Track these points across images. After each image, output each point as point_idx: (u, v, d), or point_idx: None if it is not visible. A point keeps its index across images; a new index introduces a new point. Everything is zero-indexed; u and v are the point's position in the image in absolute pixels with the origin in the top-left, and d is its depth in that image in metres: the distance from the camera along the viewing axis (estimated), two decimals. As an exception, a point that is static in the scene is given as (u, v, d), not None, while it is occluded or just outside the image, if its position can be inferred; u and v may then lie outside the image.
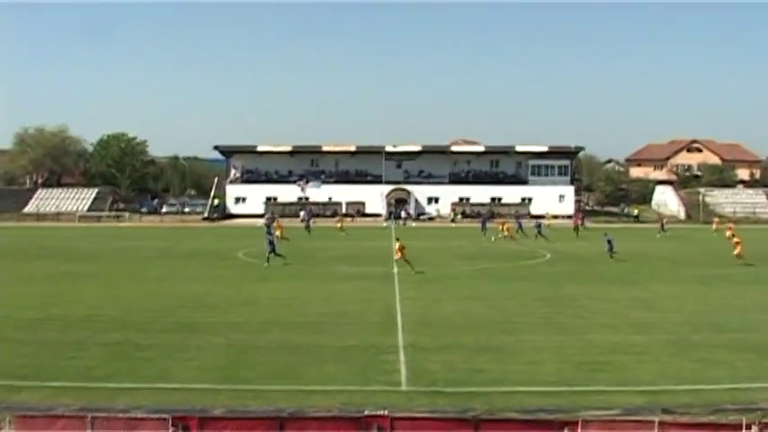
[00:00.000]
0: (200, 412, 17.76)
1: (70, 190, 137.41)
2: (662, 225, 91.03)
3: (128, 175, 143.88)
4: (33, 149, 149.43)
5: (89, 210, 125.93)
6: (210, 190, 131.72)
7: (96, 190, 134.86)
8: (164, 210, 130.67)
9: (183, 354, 28.87)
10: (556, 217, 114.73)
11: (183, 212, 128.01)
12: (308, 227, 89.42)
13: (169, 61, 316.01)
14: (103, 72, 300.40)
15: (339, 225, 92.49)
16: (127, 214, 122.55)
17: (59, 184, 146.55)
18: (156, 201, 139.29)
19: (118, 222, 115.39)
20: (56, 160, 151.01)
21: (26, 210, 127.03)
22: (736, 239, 58.90)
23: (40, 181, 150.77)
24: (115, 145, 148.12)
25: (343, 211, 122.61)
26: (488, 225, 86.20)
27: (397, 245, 53.99)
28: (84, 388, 24.55)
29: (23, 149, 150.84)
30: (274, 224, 78.57)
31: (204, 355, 28.76)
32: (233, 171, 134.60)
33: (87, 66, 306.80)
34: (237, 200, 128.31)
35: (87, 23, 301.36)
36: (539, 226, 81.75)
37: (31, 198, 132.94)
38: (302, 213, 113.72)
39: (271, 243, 56.70)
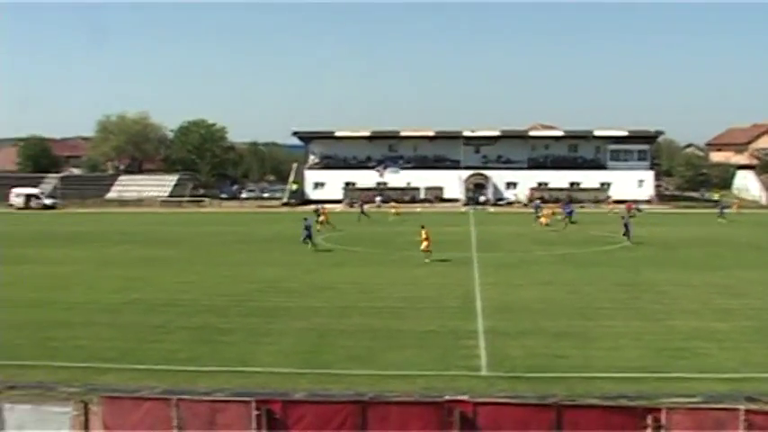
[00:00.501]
0: (281, 396, 17.90)
1: (151, 176, 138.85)
2: (721, 210, 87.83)
3: (208, 162, 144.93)
4: (116, 136, 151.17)
5: (170, 195, 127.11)
6: (289, 176, 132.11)
7: (177, 176, 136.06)
8: (243, 195, 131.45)
9: (264, 338, 29.17)
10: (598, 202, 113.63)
11: (263, 198, 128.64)
12: (362, 212, 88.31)
13: (248, 48, 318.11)
14: (184, 59, 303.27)
15: (394, 211, 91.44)
16: (207, 200, 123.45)
17: (141, 171, 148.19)
18: (235, 186, 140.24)
19: (198, 208, 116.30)
20: (137, 147, 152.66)
21: (108, 196, 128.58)
22: None
23: (122, 167, 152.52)
24: (195, 131, 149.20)
25: (422, 196, 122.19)
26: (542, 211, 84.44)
27: (423, 233, 51.50)
28: (167, 371, 24.96)
29: (106, 137, 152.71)
30: (321, 210, 77.47)
31: (285, 339, 29.01)
32: (311, 157, 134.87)
33: (167, 54, 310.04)
34: (316, 185, 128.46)
35: (170, 12, 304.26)
36: (570, 212, 79.54)
37: (113, 184, 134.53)
38: (378, 199, 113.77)
39: (307, 228, 57.29)
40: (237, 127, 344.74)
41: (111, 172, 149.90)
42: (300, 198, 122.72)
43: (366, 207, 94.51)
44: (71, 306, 35.97)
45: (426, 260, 48.99)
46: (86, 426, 14.76)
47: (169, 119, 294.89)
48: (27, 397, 17.73)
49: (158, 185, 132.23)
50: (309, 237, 57.17)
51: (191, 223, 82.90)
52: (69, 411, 14.87)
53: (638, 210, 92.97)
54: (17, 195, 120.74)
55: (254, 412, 14.02)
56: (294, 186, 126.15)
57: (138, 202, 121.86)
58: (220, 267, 47.76)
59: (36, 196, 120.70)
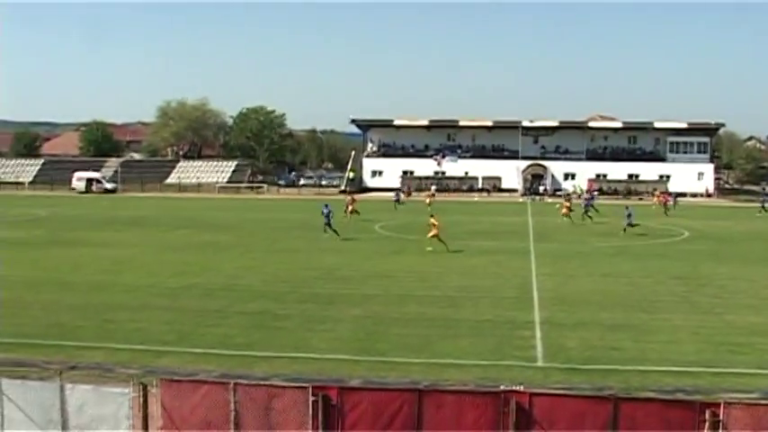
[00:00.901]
0: (337, 382, 18.02)
1: (210, 162, 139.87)
2: (763, 204, 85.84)
3: (266, 148, 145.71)
4: (175, 122, 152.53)
5: (228, 181, 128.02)
6: (347, 163, 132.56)
7: (235, 162, 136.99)
8: (301, 182, 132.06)
9: (320, 324, 29.32)
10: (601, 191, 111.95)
11: (320, 185, 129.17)
12: (397, 200, 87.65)
13: (308, 36, 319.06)
14: (245, 47, 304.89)
15: (428, 200, 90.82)
16: (265, 186, 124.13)
17: (200, 157, 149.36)
18: (293, 173, 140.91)
19: (256, 194, 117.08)
20: (197, 133, 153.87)
21: (168, 181, 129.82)
22: None
23: (181, 153, 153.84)
24: (254, 118, 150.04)
25: (480, 185, 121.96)
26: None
27: (432, 220, 50.82)
28: (224, 355, 25.21)
29: (166, 122, 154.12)
30: (349, 199, 76.21)
31: (341, 326, 29.15)
32: (370, 144, 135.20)
33: (227, 40, 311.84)
34: (374, 173, 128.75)
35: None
36: (588, 203, 77.48)
37: (172, 170, 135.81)
38: (433, 188, 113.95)
39: (327, 216, 56.80)
40: (296, 114, 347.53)
41: (170, 157, 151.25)
42: (358, 186, 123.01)
43: (402, 196, 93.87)
44: (130, 289, 36.40)
45: (429, 248, 48.72)
46: (145, 407, 14.96)
47: (228, 105, 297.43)
48: (87, 377, 18.00)
49: (217, 171, 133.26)
50: (329, 224, 56.58)
51: (249, 209, 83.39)
52: (128, 392, 15.07)
53: (673, 202, 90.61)
54: (79, 179, 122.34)
55: (311, 398, 14.12)
56: (352, 174, 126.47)
57: (197, 187, 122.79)
58: (278, 254, 48.04)
59: (97, 180, 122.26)
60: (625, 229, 59.04)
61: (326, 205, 58.44)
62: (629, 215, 60.29)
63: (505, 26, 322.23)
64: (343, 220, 66.02)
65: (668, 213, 79.33)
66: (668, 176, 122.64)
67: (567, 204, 70.17)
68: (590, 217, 70.39)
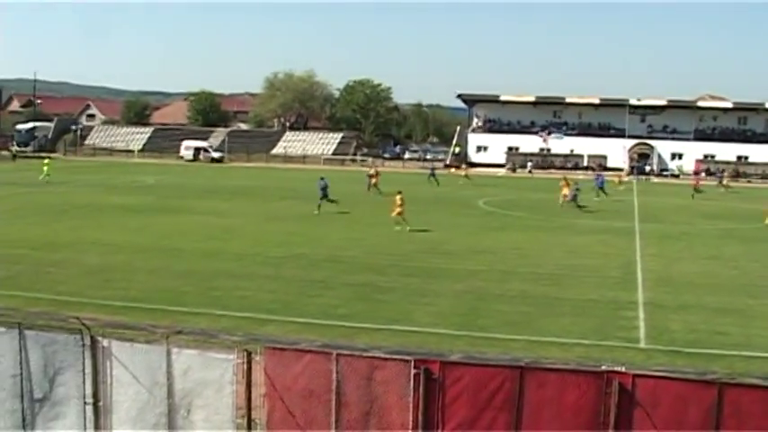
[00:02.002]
0: (438, 356, 18.05)
1: (316, 133, 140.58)
2: None
3: (372, 121, 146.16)
4: (282, 94, 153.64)
5: (333, 153, 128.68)
6: (452, 138, 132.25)
7: (341, 134, 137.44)
8: (406, 156, 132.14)
9: (422, 298, 29.42)
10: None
11: (425, 159, 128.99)
12: (432, 174, 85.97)
13: (415, 10, 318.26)
14: (351, 20, 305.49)
15: (464, 173, 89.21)
16: (370, 159, 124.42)
17: (306, 128, 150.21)
18: (398, 147, 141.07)
19: (361, 167, 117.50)
20: (303, 104, 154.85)
21: (274, 151, 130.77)
22: None
23: (287, 124, 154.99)
24: (360, 91, 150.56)
25: (585, 164, 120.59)
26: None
27: (397, 198, 48.13)
28: (326, 325, 25.47)
29: (273, 94, 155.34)
30: (372, 172, 74.98)
31: (443, 300, 29.21)
32: (475, 120, 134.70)
33: (334, 14, 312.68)
34: (479, 149, 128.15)
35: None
36: (601, 184, 73.59)
37: (279, 140, 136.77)
38: (529, 164, 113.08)
39: (323, 189, 55.84)
40: (403, 88, 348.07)
41: (276, 128, 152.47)
42: (463, 161, 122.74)
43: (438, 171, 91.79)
44: (236, 257, 36.92)
45: (397, 227, 46.98)
46: (249, 374, 15.15)
47: (335, 78, 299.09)
48: (192, 342, 18.28)
49: (323, 143, 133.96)
50: (326, 196, 55.49)
51: (353, 181, 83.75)
52: (233, 359, 15.27)
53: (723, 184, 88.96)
54: (187, 148, 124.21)
55: (413, 371, 14.16)
56: (457, 149, 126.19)
57: (302, 159, 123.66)
58: (382, 227, 48.17)
59: (205, 149, 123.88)
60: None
61: (323, 178, 57.63)
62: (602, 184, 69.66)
63: (615, 6, 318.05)
64: (366, 194, 67.86)
65: (694, 197, 76.43)
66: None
67: (566, 184, 65.15)
68: (606, 194, 71.09)
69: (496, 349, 22.83)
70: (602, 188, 71.11)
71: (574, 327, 25.79)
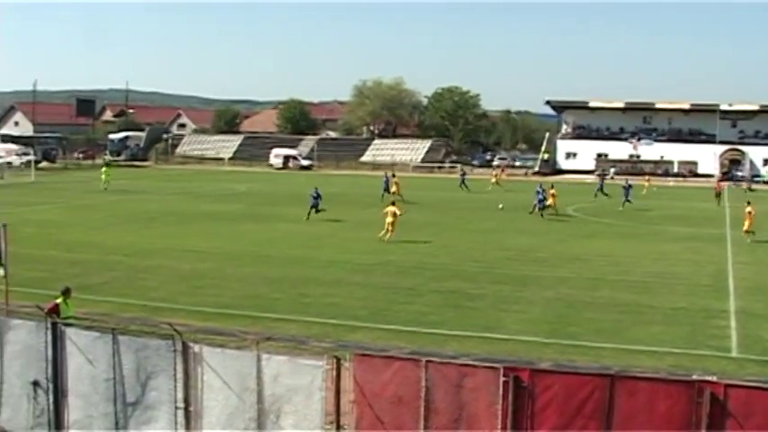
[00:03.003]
0: (527, 364, 17.98)
1: (404, 141, 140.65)
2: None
3: (460, 128, 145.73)
4: (371, 101, 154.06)
5: (422, 161, 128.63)
6: (541, 145, 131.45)
7: (430, 141, 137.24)
8: (495, 163, 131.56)
9: (512, 305, 29.33)
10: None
11: (514, 166, 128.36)
12: (462, 182, 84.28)
13: (502, 17, 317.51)
14: (438, 27, 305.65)
15: (495, 179, 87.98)
16: (459, 166, 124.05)
17: (395, 135, 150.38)
18: (487, 154, 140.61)
19: (450, 174, 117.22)
20: (392, 112, 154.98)
21: (363, 159, 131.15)
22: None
23: (376, 132, 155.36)
24: (449, 98, 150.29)
25: (675, 170, 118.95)
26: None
27: (391, 209, 45.41)
28: (416, 332, 25.52)
29: (362, 101, 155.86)
30: (394, 180, 73.56)
31: (533, 308, 29.09)
32: (564, 126, 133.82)
33: (422, 22, 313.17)
34: (568, 155, 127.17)
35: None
36: (601, 184, 74.29)
37: (367, 148, 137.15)
38: (612, 170, 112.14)
39: (314, 198, 54.52)
40: (491, 95, 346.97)
41: (365, 136, 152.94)
42: (552, 167, 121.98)
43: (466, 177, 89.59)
44: (325, 264, 37.14)
45: (384, 238, 44.20)
46: (338, 380, 15.23)
47: (423, 85, 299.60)
48: (282, 348, 18.44)
49: (411, 150, 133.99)
50: (315, 207, 54.03)
51: (442, 188, 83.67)
52: (322, 365, 15.36)
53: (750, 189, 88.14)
54: (276, 156, 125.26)
55: (502, 378, 14.12)
56: (546, 155, 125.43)
57: (391, 166, 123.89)
58: (471, 233, 48.12)
59: (294, 157, 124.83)
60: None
61: (316, 188, 56.00)
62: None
63: (706, 7, 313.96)
64: (387, 198, 65.46)
65: (719, 203, 74.23)
66: None
67: (553, 192, 61.10)
68: (606, 194, 70.44)
69: (586, 357, 22.68)
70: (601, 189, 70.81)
71: (664, 335, 25.49)
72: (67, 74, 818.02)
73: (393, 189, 68.76)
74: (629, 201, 65.46)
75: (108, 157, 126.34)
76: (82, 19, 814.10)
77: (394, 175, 72.66)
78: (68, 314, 19.43)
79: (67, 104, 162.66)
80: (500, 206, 61.17)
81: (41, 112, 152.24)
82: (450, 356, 19.28)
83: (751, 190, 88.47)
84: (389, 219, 44.51)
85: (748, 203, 48.03)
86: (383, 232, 44.38)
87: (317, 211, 53.81)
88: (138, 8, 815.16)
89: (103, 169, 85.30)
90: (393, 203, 46.68)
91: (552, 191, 60.31)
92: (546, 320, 27.28)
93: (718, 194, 75.23)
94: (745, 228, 46.73)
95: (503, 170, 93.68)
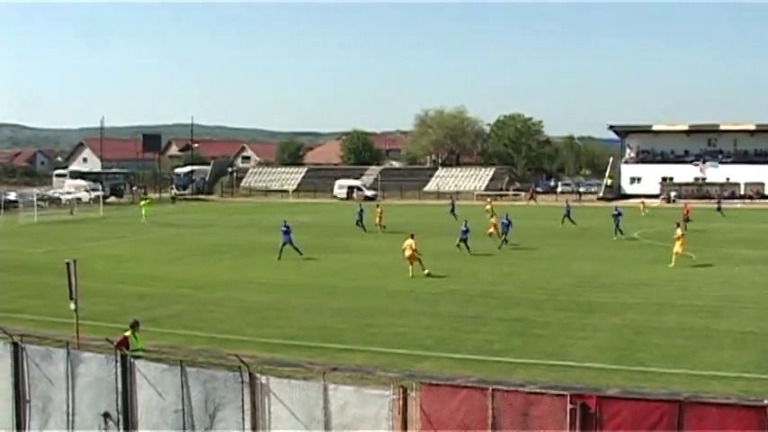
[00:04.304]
0: (594, 391, 17.89)
1: (468, 169, 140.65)
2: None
3: (524, 155, 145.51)
4: (434, 130, 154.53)
5: (486, 189, 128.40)
6: (605, 170, 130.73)
7: (493, 169, 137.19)
8: (559, 189, 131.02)
9: (578, 332, 29.16)
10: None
11: (578, 192, 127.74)
12: (532, 196, 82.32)
13: (562, 43, 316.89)
14: (499, 55, 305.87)
15: (488, 207, 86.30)
16: (523, 194, 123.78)
17: (458, 164, 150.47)
18: (551, 180, 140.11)
19: (513, 201, 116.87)
20: (454, 141, 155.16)
21: (427, 188, 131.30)
22: None
23: (439, 161, 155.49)
24: (512, 125, 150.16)
25: (742, 192, 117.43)
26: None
27: (409, 242, 43.42)
28: (482, 361, 25.48)
29: (424, 131, 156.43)
30: (378, 210, 70.55)
31: (599, 334, 28.90)
32: (628, 151, 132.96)
33: (481, 50, 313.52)
34: (632, 180, 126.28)
35: (488, 11, 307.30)
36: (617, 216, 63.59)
37: (431, 177, 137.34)
38: (672, 194, 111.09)
39: (285, 233, 50.31)
40: (553, 121, 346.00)
41: (428, 165, 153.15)
42: (616, 193, 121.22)
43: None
44: (390, 294, 37.24)
45: (410, 275, 42.53)
46: (405, 410, 15.26)
47: (486, 113, 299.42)
48: (349, 379, 18.51)
49: (475, 178, 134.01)
50: (288, 242, 49.99)
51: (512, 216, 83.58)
52: (389, 395, 15.41)
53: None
54: (340, 187, 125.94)
55: (569, 406, 14.07)
56: (610, 181, 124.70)
57: (456, 194, 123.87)
58: (535, 261, 47.96)
59: (358, 188, 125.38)
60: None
61: (285, 222, 52.03)
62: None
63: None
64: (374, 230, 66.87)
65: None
66: None
67: (494, 222, 59.70)
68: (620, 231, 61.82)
69: (654, 383, 22.48)
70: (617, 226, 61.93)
71: (734, 360, 25.18)
72: (133, 110, 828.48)
73: (376, 220, 68.58)
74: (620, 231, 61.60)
75: (175, 191, 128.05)
76: (146, 56, 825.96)
77: (453, 201, 72.34)
78: (137, 347, 19.68)
79: (134, 140, 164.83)
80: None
81: (109, 148, 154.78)
82: (516, 384, 19.21)
83: None
84: (408, 252, 42.84)
85: None
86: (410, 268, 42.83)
87: (295, 247, 49.65)
88: (202, 44, 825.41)
89: (142, 203, 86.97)
90: (411, 236, 44.18)
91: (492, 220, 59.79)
92: (613, 347, 27.09)
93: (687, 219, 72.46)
94: None
95: (531, 194, 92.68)
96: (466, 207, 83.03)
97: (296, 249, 49.53)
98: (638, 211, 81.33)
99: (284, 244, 49.78)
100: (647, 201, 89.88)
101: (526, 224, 69.97)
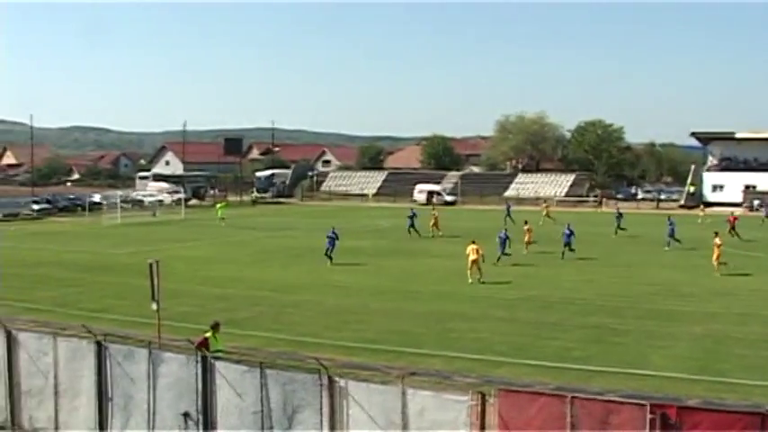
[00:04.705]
0: (675, 401, 17.70)
1: (548, 175, 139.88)
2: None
3: (604, 162, 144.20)
4: (514, 136, 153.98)
5: (566, 195, 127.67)
6: (686, 177, 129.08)
7: (573, 175, 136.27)
8: (639, 196, 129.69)
9: (658, 341, 28.86)
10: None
11: (659, 199, 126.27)
12: (508, 214, 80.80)
13: (642, 51, 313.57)
14: (576, 60, 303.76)
15: (545, 212, 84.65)
16: (603, 200, 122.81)
17: (538, 170, 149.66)
18: (632, 187, 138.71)
19: (594, 208, 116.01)
20: (535, 146, 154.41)
21: (506, 194, 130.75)
22: None
23: (519, 166, 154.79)
24: (592, 132, 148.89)
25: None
26: None
27: (472, 247, 43.49)
28: (560, 368, 25.32)
29: (504, 136, 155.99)
30: (434, 213, 71.92)
31: (680, 343, 28.58)
32: (710, 158, 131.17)
33: (562, 54, 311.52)
34: (714, 188, 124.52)
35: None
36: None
37: (511, 182, 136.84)
38: (756, 203, 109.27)
39: (331, 241, 50.21)
40: (635, 127, 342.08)
41: (508, 171, 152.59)
42: (698, 200, 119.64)
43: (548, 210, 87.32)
44: (469, 299, 37.21)
45: (470, 281, 42.46)
46: (483, 416, 15.24)
47: (566, 119, 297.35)
48: (427, 383, 18.53)
49: (555, 184, 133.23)
50: (330, 251, 49.87)
51: (584, 222, 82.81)
52: (467, 401, 15.41)
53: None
54: (420, 191, 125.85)
55: (649, 416, 13.94)
56: (692, 188, 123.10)
57: (535, 200, 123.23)
58: (615, 268, 47.56)
59: (438, 193, 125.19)
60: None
61: (333, 230, 51.52)
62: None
63: None
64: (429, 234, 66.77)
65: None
66: None
67: (529, 227, 58.11)
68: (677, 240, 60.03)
69: (736, 395, 22.17)
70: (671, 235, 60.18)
71: (818, 371, 24.76)
72: (215, 114, 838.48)
73: (432, 222, 68.97)
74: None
75: (255, 194, 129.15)
76: (228, 62, 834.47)
77: (547, 204, 72.06)
78: (217, 348, 19.90)
79: (215, 143, 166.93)
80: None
81: (191, 152, 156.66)
82: (595, 392, 19.10)
83: None
84: (474, 256, 42.74)
85: None
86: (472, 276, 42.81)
87: (330, 255, 49.80)
88: (284, 49, 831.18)
89: (218, 205, 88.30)
90: (473, 241, 44.30)
91: (527, 226, 57.95)
92: (693, 357, 26.78)
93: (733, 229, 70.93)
94: None
95: (547, 205, 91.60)
96: (535, 213, 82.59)
97: (328, 256, 49.62)
98: (718, 218, 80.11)
99: (329, 249, 49.87)
100: (706, 208, 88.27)
101: (602, 231, 69.42)
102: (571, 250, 52.32)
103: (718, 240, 46.60)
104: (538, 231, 61.96)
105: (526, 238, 56.05)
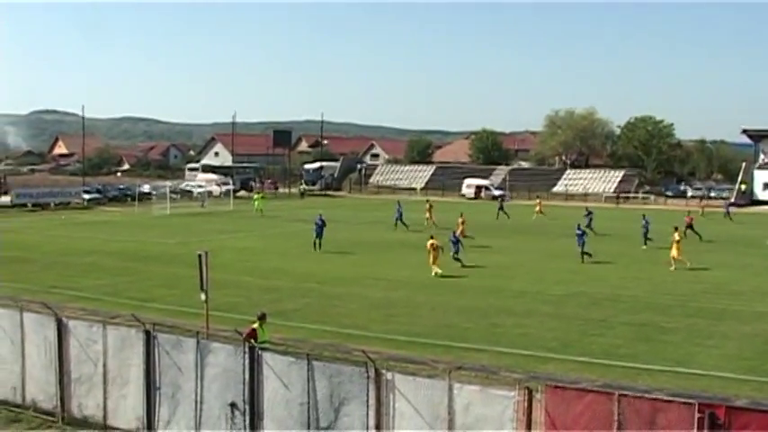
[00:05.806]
0: (723, 401, 17.58)
1: (597, 171, 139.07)
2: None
3: (654, 158, 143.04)
4: (563, 131, 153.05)
5: (614, 191, 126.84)
6: (737, 175, 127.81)
7: (622, 172, 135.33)
8: (689, 194, 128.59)
9: (707, 340, 28.67)
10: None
11: (709, 197, 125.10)
12: (501, 208, 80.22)
13: (692, 47, 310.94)
14: (627, 56, 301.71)
15: (537, 209, 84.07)
16: (652, 197, 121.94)
17: (587, 166, 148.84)
18: (681, 184, 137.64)
19: (643, 205, 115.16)
20: (584, 142, 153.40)
21: (555, 189, 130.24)
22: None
23: (568, 162, 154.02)
24: (642, 128, 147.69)
25: None
26: None
27: (430, 242, 43.97)
28: (607, 365, 25.22)
29: (554, 131, 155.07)
30: (427, 205, 73.08)
31: (729, 343, 28.36)
32: (761, 156, 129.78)
33: (612, 50, 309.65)
34: (765, 186, 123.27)
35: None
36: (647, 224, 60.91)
37: (560, 178, 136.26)
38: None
39: (318, 228, 54.48)
40: (685, 124, 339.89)
41: (557, 166, 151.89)
42: (749, 199, 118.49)
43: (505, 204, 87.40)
44: (517, 295, 37.13)
45: (433, 273, 42.52)
46: (529, 411, 15.21)
47: (616, 115, 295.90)
48: (473, 378, 18.50)
49: (604, 180, 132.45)
50: (318, 236, 54.20)
51: (633, 219, 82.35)
52: (513, 396, 15.38)
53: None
54: (468, 186, 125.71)
55: (697, 415, 13.84)
56: (743, 186, 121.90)
57: (584, 196, 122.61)
58: (663, 265, 47.11)
59: (486, 187, 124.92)
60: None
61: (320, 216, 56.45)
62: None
63: None
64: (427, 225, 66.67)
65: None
66: None
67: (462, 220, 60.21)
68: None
69: (786, 396, 21.96)
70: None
71: None
72: (265, 106, 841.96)
73: (427, 215, 70.38)
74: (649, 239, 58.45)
75: (304, 186, 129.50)
76: (278, 54, 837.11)
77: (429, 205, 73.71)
78: (264, 339, 20.00)
79: (264, 135, 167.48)
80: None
81: (240, 143, 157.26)
82: (642, 391, 19.00)
83: None
84: (434, 253, 43.07)
85: None
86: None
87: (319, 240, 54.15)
88: (335, 42, 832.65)
89: (255, 196, 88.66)
90: (431, 237, 44.77)
91: (461, 218, 59.91)
92: (743, 356, 26.55)
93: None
94: None
95: (540, 202, 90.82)
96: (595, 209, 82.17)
97: (316, 244, 53.32)
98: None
99: (317, 237, 53.07)
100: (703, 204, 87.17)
101: (657, 228, 68.91)
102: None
103: (676, 236, 46.67)
104: (562, 224, 61.67)
105: (459, 231, 56.23)
